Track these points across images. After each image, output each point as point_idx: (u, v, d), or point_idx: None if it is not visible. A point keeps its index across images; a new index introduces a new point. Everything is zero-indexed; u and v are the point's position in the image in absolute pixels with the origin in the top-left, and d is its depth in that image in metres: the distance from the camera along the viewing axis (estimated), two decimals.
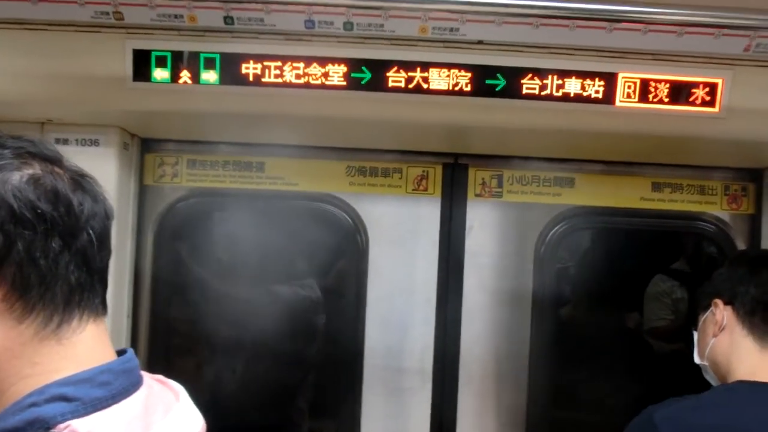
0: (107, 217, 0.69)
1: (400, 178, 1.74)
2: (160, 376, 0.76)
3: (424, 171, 1.74)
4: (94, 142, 1.58)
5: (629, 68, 1.34)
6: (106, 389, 0.64)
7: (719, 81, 1.33)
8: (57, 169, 0.66)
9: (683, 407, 1.09)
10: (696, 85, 1.34)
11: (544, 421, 1.70)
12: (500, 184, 1.74)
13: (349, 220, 1.74)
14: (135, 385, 0.68)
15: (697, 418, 1.06)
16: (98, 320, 0.68)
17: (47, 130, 1.58)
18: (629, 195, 1.72)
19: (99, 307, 0.68)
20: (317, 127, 1.57)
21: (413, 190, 1.74)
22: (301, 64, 1.37)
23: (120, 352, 0.71)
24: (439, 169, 1.74)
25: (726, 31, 1.23)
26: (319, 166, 1.74)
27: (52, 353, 0.64)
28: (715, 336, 1.19)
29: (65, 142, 1.58)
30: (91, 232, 0.66)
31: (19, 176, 0.63)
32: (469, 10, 1.25)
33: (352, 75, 1.37)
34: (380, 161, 1.74)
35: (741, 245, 1.72)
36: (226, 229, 1.81)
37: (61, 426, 0.59)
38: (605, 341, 1.84)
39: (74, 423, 0.59)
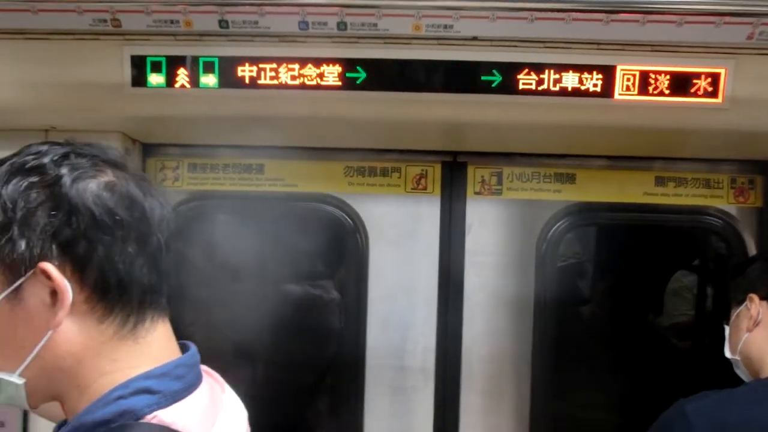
0: (170, 220, 0.73)
1: (399, 178, 1.74)
2: (206, 367, 0.78)
3: (422, 170, 1.73)
4: None
5: (628, 60, 1.31)
6: (182, 382, 0.68)
7: (722, 71, 1.29)
8: (126, 175, 0.69)
9: (717, 401, 1.08)
10: (697, 75, 1.30)
11: (547, 419, 1.69)
12: (500, 182, 1.72)
13: (349, 221, 1.74)
14: (199, 377, 0.72)
15: (730, 412, 1.05)
16: (165, 319, 0.72)
17: (51, 137, 1.61)
18: (632, 190, 1.69)
19: (165, 308, 0.72)
20: (315, 128, 1.57)
21: (412, 189, 1.73)
22: (296, 66, 1.37)
23: (181, 346, 0.74)
24: (438, 168, 1.73)
25: (728, 19, 1.19)
26: (318, 167, 1.74)
27: (130, 351, 0.67)
28: (749, 331, 1.18)
29: None
30: (160, 236, 0.69)
31: (96, 184, 0.66)
32: (462, 6, 1.24)
33: (347, 75, 1.37)
34: (379, 161, 1.73)
35: (749, 239, 1.67)
36: (227, 231, 1.82)
37: (149, 416, 0.63)
38: (608, 338, 1.82)
39: (160, 413, 0.64)
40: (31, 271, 0.63)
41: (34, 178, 0.65)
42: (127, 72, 1.39)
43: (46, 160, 0.66)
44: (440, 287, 1.71)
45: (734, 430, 1.03)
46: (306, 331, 1.88)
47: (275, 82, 1.38)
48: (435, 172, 1.73)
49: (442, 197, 1.72)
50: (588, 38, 1.28)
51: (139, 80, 1.40)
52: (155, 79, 1.40)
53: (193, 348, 0.74)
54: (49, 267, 0.63)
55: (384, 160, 1.73)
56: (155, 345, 0.69)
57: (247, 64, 1.38)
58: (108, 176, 0.67)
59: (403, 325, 1.72)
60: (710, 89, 1.30)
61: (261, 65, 1.38)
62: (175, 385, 0.67)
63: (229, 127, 1.58)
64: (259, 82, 1.39)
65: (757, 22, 1.20)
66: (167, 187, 1.77)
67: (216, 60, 1.38)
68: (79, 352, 0.66)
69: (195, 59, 1.39)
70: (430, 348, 1.71)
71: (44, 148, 0.68)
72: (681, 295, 1.88)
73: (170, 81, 1.40)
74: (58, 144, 0.69)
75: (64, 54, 1.38)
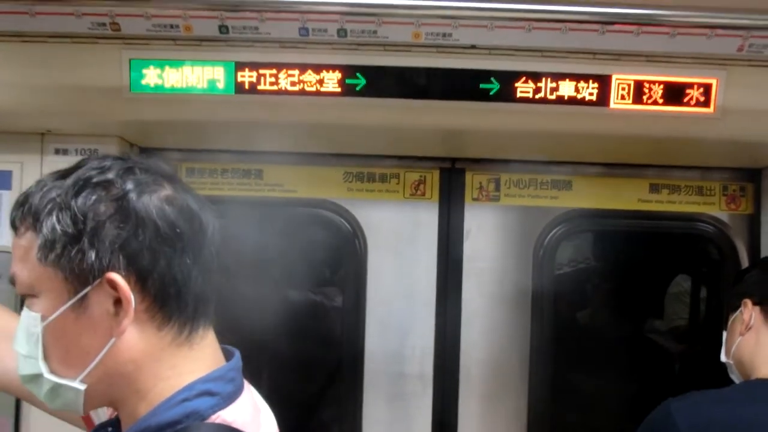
0: (220, 232, 0.75)
1: (398, 184, 1.74)
2: None
3: (421, 176, 1.74)
4: (93, 152, 1.59)
5: (623, 70, 1.33)
6: (234, 384, 0.72)
7: (713, 81, 1.32)
8: (182, 188, 0.72)
9: (702, 401, 1.09)
10: (690, 85, 1.33)
11: (545, 424, 1.69)
12: (497, 188, 1.74)
13: (348, 226, 1.74)
14: (243, 380, 0.76)
15: (715, 412, 1.06)
16: (211, 327, 0.75)
17: (47, 140, 1.60)
18: (627, 197, 1.71)
19: (212, 316, 0.75)
20: (314, 134, 1.58)
21: (411, 195, 1.74)
22: (296, 72, 1.38)
23: (223, 350, 0.77)
24: (436, 174, 1.74)
25: (719, 31, 1.22)
26: (317, 173, 1.74)
27: (187, 357, 0.70)
28: (741, 335, 1.20)
29: (65, 152, 1.59)
30: (213, 248, 0.72)
31: (157, 198, 0.68)
32: (461, 15, 1.26)
33: (347, 81, 1.37)
34: (378, 167, 1.74)
35: (740, 246, 1.70)
36: (225, 236, 1.80)
37: (213, 417, 0.67)
38: (606, 343, 1.83)
39: (222, 413, 0.68)
40: (98, 281, 0.66)
41: (102, 192, 0.67)
42: (125, 76, 1.39)
43: (111, 175, 0.68)
44: (438, 293, 1.71)
45: (720, 429, 1.05)
46: (304, 337, 1.86)
47: (275, 87, 1.39)
48: (433, 178, 1.74)
49: (441, 203, 1.73)
50: (584, 48, 1.31)
51: (137, 84, 1.39)
52: (154, 83, 1.40)
53: (237, 353, 0.77)
54: (116, 277, 0.65)
55: (383, 166, 1.74)
56: (208, 351, 0.72)
57: (246, 70, 1.39)
58: (167, 190, 0.70)
59: (402, 330, 1.72)
60: (702, 99, 1.33)
61: (261, 71, 1.38)
62: (229, 388, 0.70)
63: (228, 132, 1.58)
64: (258, 87, 1.39)
65: (747, 34, 1.24)
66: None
67: (216, 65, 1.39)
68: (139, 358, 0.68)
69: (195, 64, 1.39)
70: (428, 353, 1.71)
71: (107, 163, 0.70)
72: (681, 299, 1.91)
73: (169, 86, 1.39)
74: (120, 159, 0.71)
75: (62, 57, 1.37)
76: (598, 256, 1.87)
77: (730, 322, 1.26)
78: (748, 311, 1.20)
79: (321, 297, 1.85)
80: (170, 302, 0.68)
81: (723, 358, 1.27)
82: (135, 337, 0.67)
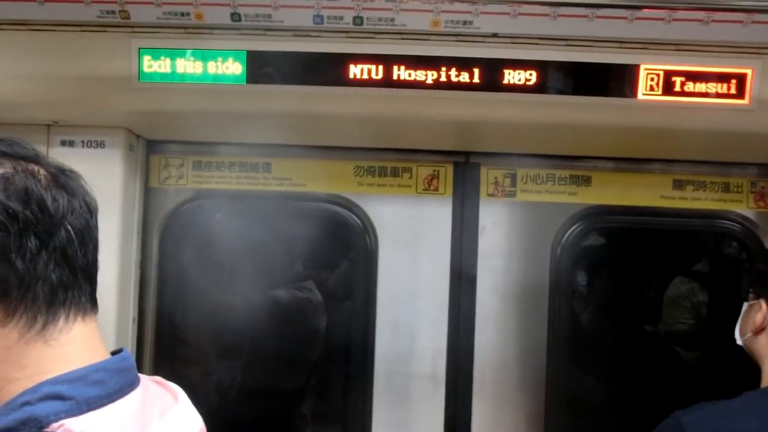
0: (89, 211, 0.67)
1: (410, 178, 1.70)
2: (159, 378, 0.74)
3: (434, 170, 1.69)
4: (100, 144, 1.56)
5: (652, 59, 1.28)
6: (102, 388, 0.62)
7: (748, 71, 1.27)
8: (32, 167, 0.64)
9: (713, 412, 1.07)
10: (723, 76, 1.28)
11: (562, 429, 1.64)
12: (513, 183, 1.69)
13: (358, 222, 1.70)
14: (131, 384, 0.67)
15: (727, 423, 1.04)
16: (87, 318, 0.66)
17: (53, 132, 1.57)
18: (649, 193, 1.66)
19: (87, 305, 0.67)
20: (324, 126, 1.53)
21: (424, 190, 1.70)
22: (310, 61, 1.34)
23: (115, 353, 0.70)
24: (450, 168, 1.69)
25: (756, 17, 1.17)
26: (326, 167, 1.70)
27: (41, 355, 0.62)
28: (753, 333, 1.19)
29: (71, 144, 1.57)
30: (69, 228, 0.64)
31: None
32: (483, 2, 1.21)
33: (362, 71, 1.33)
34: (389, 161, 1.70)
35: None
36: (232, 231, 1.77)
37: (55, 425, 0.57)
38: (625, 345, 1.78)
39: (68, 422, 0.58)
40: None
41: None
42: (134, 65, 1.35)
43: None
44: (452, 291, 1.67)
45: None
46: (311, 336, 1.83)
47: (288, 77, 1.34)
48: (447, 172, 1.69)
49: (454, 199, 1.68)
50: (611, 36, 1.25)
51: (146, 74, 1.36)
52: (164, 72, 1.36)
53: (124, 352, 0.69)
54: None
55: (395, 160, 1.70)
56: (71, 347, 0.64)
57: (259, 59, 1.35)
58: (4, 168, 0.63)
59: (413, 329, 1.68)
60: (736, 90, 1.28)
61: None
62: (92, 392, 0.61)
63: (238, 123, 1.54)
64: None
65: None
66: (170, 186, 1.72)
67: (227, 54, 1.35)
68: None
69: (206, 53, 1.35)
70: (440, 353, 1.66)
71: None
72: (680, 302, 1.85)
73: (179, 75, 1.36)
74: None
75: (69, 46, 1.35)
76: (618, 255, 1.81)
77: (746, 306, 1.23)
78: (763, 314, 1.17)
79: (329, 295, 1.81)
80: (11, 293, 0.60)
81: (737, 337, 1.25)
82: None
